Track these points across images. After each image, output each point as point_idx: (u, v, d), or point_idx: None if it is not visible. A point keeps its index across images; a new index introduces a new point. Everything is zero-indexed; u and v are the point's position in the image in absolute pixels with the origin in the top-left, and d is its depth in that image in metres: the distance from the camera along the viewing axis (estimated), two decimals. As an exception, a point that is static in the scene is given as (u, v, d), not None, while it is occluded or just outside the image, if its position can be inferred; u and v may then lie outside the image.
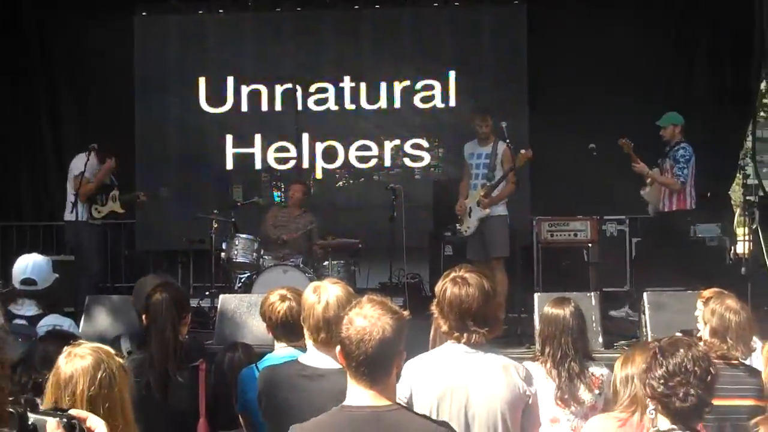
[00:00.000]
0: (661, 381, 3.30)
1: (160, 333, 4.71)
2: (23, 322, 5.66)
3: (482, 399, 3.71)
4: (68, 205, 10.29)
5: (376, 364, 3.12)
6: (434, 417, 3.54)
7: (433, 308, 3.88)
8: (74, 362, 3.13)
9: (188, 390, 4.69)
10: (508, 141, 9.55)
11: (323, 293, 4.03)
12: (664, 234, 9.81)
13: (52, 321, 5.72)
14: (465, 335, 3.77)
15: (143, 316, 4.88)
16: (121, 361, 3.15)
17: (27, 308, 5.80)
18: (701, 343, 4.75)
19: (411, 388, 3.71)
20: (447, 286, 3.83)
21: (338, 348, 3.20)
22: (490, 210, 9.63)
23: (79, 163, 10.34)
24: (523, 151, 9.56)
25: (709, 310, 4.88)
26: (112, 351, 3.20)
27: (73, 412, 2.34)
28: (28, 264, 5.98)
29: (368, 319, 3.11)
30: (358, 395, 3.16)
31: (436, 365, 3.79)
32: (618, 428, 4.02)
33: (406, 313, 3.23)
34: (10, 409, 1.69)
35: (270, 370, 4.22)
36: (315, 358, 4.05)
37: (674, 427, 3.36)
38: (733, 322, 4.74)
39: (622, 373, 4.01)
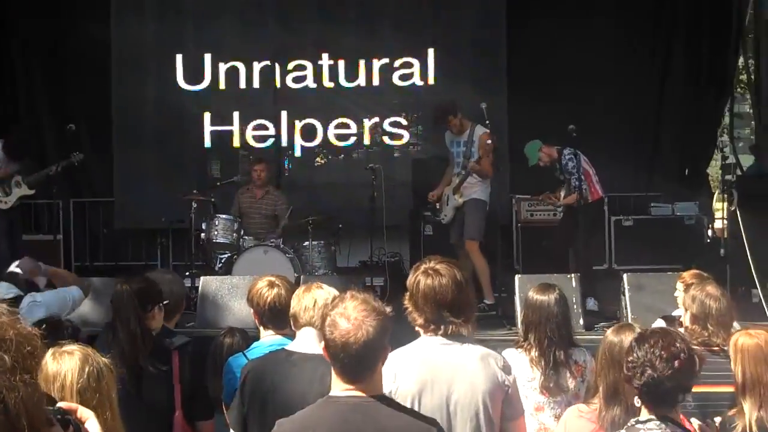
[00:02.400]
0: (630, 364, 3.43)
1: (125, 326, 4.66)
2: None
3: (462, 390, 3.71)
4: None
5: (361, 364, 3.13)
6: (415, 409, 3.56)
7: (407, 302, 3.84)
8: (62, 359, 3.14)
9: (162, 382, 4.66)
10: (487, 122, 9.54)
11: (316, 293, 4.21)
12: (591, 221, 9.85)
13: (31, 299, 5.76)
14: (442, 327, 3.76)
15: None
16: (106, 360, 3.16)
17: (4, 291, 5.80)
18: (681, 329, 4.82)
19: (390, 383, 3.68)
20: (419, 279, 3.79)
21: (322, 345, 3.21)
22: (464, 196, 9.69)
23: None
24: (488, 142, 9.51)
25: (690, 297, 4.91)
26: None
27: (62, 404, 2.31)
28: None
29: (351, 321, 3.11)
30: (344, 389, 3.18)
31: (415, 359, 3.79)
32: (588, 422, 4.10)
33: (389, 310, 3.23)
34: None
35: (256, 361, 4.25)
36: (302, 344, 4.10)
37: (652, 417, 3.42)
38: (713, 309, 4.76)
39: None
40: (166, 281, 5.25)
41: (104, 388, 3.08)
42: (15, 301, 5.73)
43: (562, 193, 9.78)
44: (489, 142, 9.44)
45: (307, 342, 4.10)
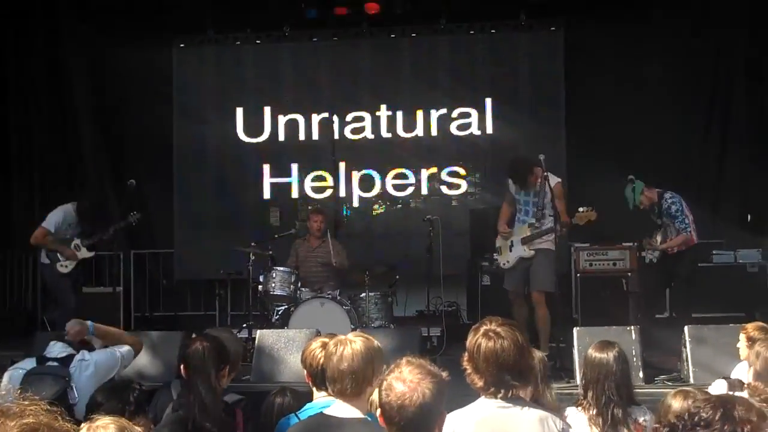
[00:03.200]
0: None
1: (205, 383, 4.67)
2: (55, 363, 5.73)
3: (519, 453, 3.64)
4: (42, 250, 10.28)
5: (417, 428, 3.11)
6: None
7: (465, 364, 3.80)
8: None
9: None
10: (547, 173, 9.32)
11: (340, 345, 4.04)
12: (682, 267, 9.66)
13: (79, 357, 5.81)
14: (502, 390, 3.71)
15: (181, 368, 4.84)
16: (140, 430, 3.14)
17: (58, 350, 5.86)
18: (745, 388, 4.70)
19: None
20: (480, 342, 3.75)
21: (378, 412, 3.19)
22: (534, 246, 9.44)
23: (51, 217, 10.28)
24: (582, 210, 9.23)
25: (755, 353, 4.82)
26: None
27: None
28: None
29: (407, 384, 3.11)
30: None
31: (472, 421, 3.74)
32: None
33: (445, 374, 3.22)
34: None
35: (297, 425, 4.20)
36: (341, 408, 4.05)
37: None
38: None
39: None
40: (225, 339, 5.26)
41: None
42: (67, 360, 5.80)
43: (659, 238, 9.61)
44: (583, 210, 9.18)
45: (346, 406, 4.04)
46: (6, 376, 5.79)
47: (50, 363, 5.76)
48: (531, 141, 12.19)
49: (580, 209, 9.26)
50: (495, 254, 10.12)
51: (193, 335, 5.36)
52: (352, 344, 4.02)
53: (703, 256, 11.53)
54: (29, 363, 5.81)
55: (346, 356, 3.96)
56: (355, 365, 3.78)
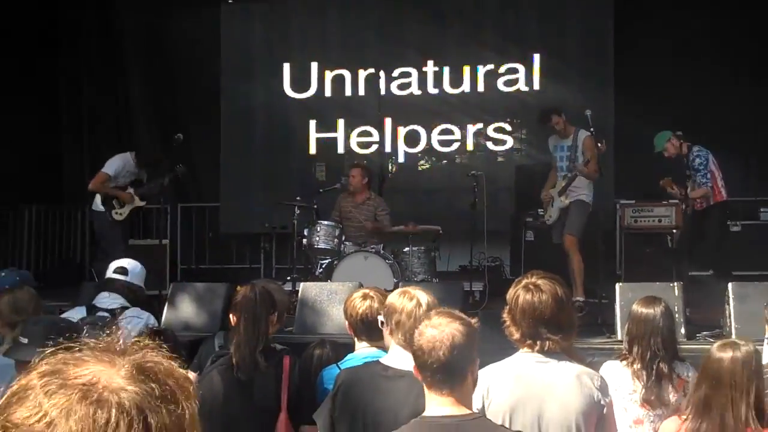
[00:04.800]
0: None
1: (256, 326, 4.73)
2: (106, 314, 5.81)
3: (556, 409, 3.65)
4: (96, 198, 10.35)
5: (450, 370, 3.13)
6: (507, 427, 3.52)
7: (505, 316, 3.81)
8: None
9: (272, 382, 4.73)
10: (592, 130, 9.48)
11: (413, 294, 4.12)
12: (718, 223, 9.71)
13: (132, 313, 5.87)
14: (538, 343, 3.71)
15: (231, 316, 4.92)
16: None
17: (111, 301, 5.95)
18: None
19: (483, 398, 3.66)
20: (519, 294, 3.75)
21: (413, 361, 3.23)
22: (569, 198, 9.81)
23: (111, 163, 10.37)
24: (599, 144, 9.50)
25: None
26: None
27: None
28: (126, 260, 6.24)
29: (438, 327, 3.15)
30: (437, 405, 3.17)
31: (509, 375, 3.74)
32: None
33: (474, 321, 3.25)
34: None
35: (350, 370, 4.24)
36: (397, 358, 4.08)
37: None
38: None
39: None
40: (272, 290, 5.33)
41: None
42: (118, 312, 5.88)
43: (688, 189, 9.67)
44: (600, 145, 9.43)
45: (402, 356, 4.08)
46: None
47: (101, 313, 5.84)
48: (578, 97, 12.08)
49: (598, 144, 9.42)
50: (540, 211, 10.29)
51: (238, 287, 5.44)
52: (423, 296, 4.11)
53: (733, 216, 11.46)
54: (79, 312, 5.90)
55: (423, 306, 4.03)
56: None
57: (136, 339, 1.49)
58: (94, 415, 1.33)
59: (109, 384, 1.37)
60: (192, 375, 3.42)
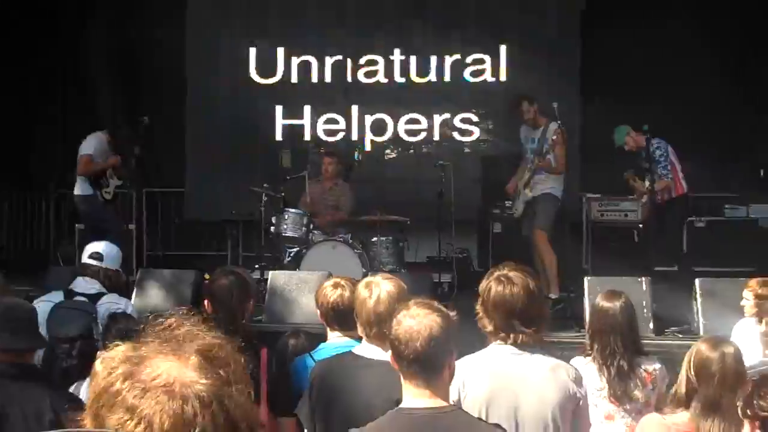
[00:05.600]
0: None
1: (231, 319, 4.69)
2: (83, 299, 5.75)
3: (532, 401, 3.67)
4: (81, 181, 10.20)
5: (427, 361, 3.13)
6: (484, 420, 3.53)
7: (478, 308, 3.82)
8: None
9: (249, 375, 4.69)
10: (559, 122, 9.49)
11: (375, 288, 4.06)
12: (670, 219, 9.80)
13: (110, 299, 5.81)
14: (511, 336, 3.72)
15: (206, 302, 4.86)
16: None
17: (89, 286, 5.88)
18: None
19: (459, 390, 3.67)
20: (491, 286, 3.76)
21: (389, 350, 3.22)
22: (533, 191, 9.73)
23: (89, 144, 10.24)
24: (554, 137, 9.49)
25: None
26: None
27: None
28: (100, 244, 6.10)
29: (415, 318, 3.14)
30: (413, 397, 3.17)
31: (484, 367, 3.75)
32: None
33: (453, 314, 3.25)
34: None
35: (323, 363, 4.25)
36: (368, 349, 4.09)
37: None
38: None
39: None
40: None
41: None
42: (96, 297, 5.82)
43: (646, 182, 9.72)
44: (555, 137, 9.42)
45: (373, 347, 4.09)
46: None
47: (78, 298, 5.78)
48: (545, 91, 12.11)
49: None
50: (507, 203, 10.28)
51: (206, 275, 5.40)
52: (386, 286, 4.06)
53: (698, 212, 11.58)
54: (56, 296, 5.83)
55: (382, 299, 4.00)
56: (393, 308, 3.79)
57: (186, 325, 1.67)
58: (181, 412, 1.51)
59: (183, 380, 1.54)
60: None
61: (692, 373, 3.97)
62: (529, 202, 9.80)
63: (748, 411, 3.38)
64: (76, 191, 10.30)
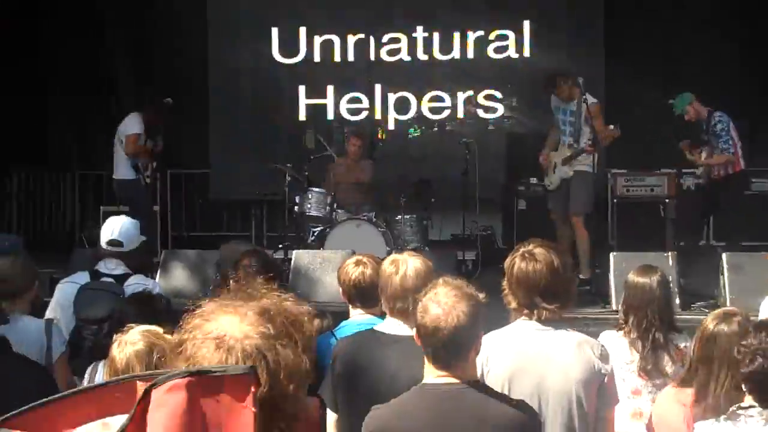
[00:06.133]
0: (742, 348, 3.38)
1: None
2: (111, 280, 5.71)
3: (556, 378, 3.64)
4: (124, 164, 10.18)
5: (452, 351, 3.12)
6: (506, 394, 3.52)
7: (504, 284, 3.80)
8: (126, 350, 3.20)
9: None
10: (585, 95, 9.35)
11: (402, 265, 4.05)
12: (728, 195, 9.63)
13: (137, 281, 5.77)
14: (535, 312, 3.70)
15: (230, 282, 4.82)
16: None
17: (115, 267, 5.82)
18: None
19: (482, 366, 3.65)
20: (515, 262, 3.74)
21: (414, 332, 3.20)
22: (573, 167, 9.54)
23: (132, 123, 10.19)
24: (611, 127, 9.34)
25: None
26: (161, 331, 3.25)
27: None
28: (116, 226, 5.99)
29: (443, 306, 3.10)
30: (436, 377, 3.17)
31: (508, 343, 3.74)
32: (681, 406, 3.98)
33: (482, 296, 3.21)
34: None
35: (345, 340, 4.24)
36: (391, 325, 4.07)
37: (755, 404, 3.34)
38: None
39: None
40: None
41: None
42: (122, 278, 5.78)
43: (703, 155, 9.57)
44: (612, 127, 9.29)
45: (396, 323, 4.07)
46: (59, 289, 5.80)
47: (105, 279, 5.75)
48: (569, 64, 12.01)
49: (610, 126, 9.23)
50: (545, 177, 10.10)
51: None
52: (413, 263, 4.03)
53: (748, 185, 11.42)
54: (83, 277, 5.79)
55: (410, 275, 3.98)
56: (419, 283, 3.76)
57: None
58: (226, 361, 1.72)
59: (233, 335, 1.75)
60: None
61: (697, 345, 3.94)
62: (566, 179, 9.65)
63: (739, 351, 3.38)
64: (119, 175, 10.25)
